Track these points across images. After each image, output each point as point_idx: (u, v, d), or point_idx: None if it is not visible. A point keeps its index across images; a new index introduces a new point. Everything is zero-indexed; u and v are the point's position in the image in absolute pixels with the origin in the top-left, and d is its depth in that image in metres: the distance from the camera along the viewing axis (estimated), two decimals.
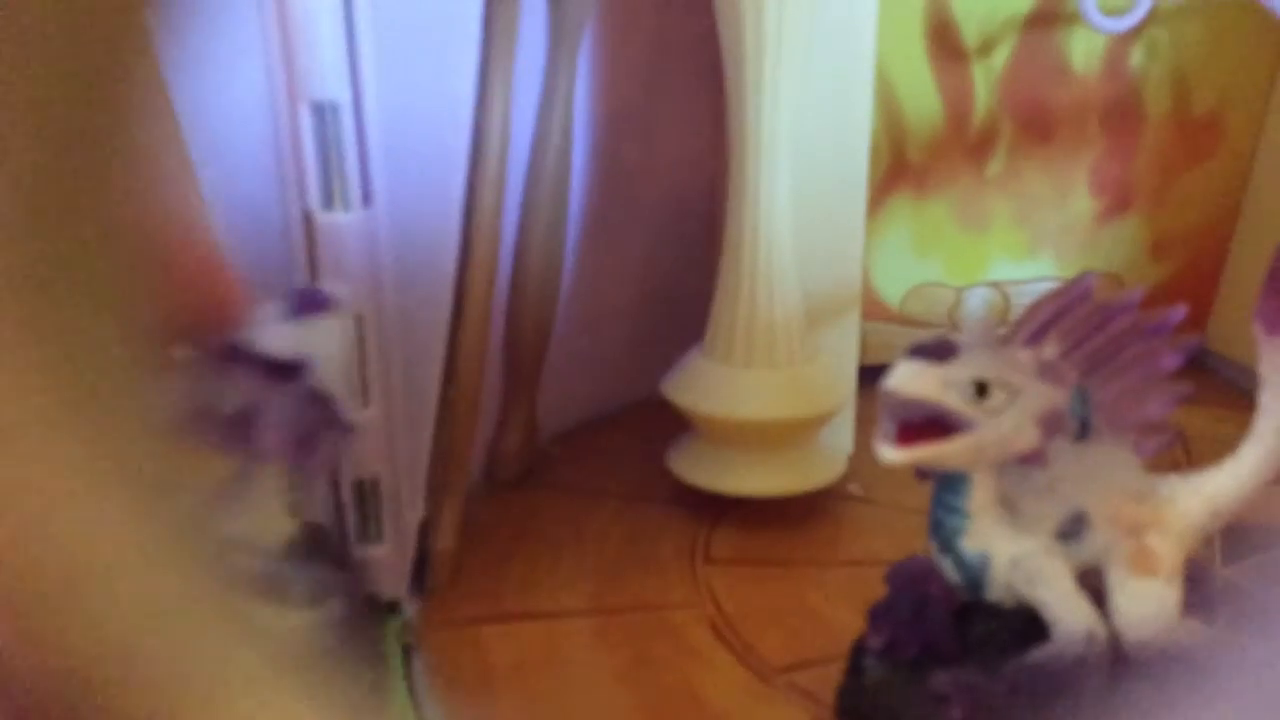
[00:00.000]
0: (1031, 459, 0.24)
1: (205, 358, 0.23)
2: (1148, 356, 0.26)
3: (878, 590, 0.32)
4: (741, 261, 0.35)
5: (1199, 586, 0.25)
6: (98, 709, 0.08)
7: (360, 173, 0.29)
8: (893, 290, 0.47)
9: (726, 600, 0.33)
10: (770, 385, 0.36)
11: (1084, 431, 0.26)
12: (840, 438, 0.40)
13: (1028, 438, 0.23)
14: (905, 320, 0.47)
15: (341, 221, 0.29)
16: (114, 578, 0.09)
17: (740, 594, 0.33)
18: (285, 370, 0.22)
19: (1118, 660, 0.24)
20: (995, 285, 0.48)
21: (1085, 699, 0.24)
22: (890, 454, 0.23)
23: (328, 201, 0.29)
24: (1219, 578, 0.28)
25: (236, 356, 0.23)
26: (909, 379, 0.22)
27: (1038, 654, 0.24)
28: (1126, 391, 0.26)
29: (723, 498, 0.37)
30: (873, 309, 0.47)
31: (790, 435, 0.37)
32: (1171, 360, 0.25)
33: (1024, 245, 0.47)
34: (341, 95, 0.29)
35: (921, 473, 0.26)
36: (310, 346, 0.23)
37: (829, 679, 0.29)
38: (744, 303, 0.36)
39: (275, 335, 0.22)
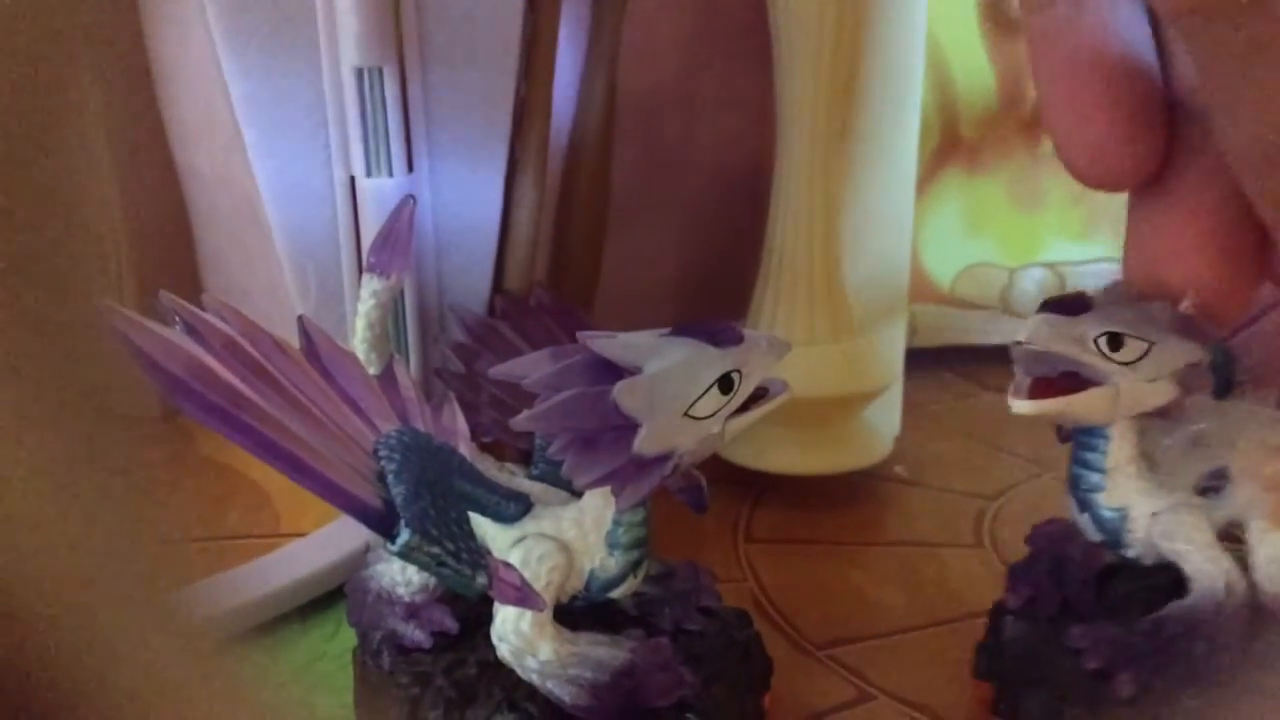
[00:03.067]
0: (1169, 413, 0.23)
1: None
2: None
3: (920, 570, 0.31)
4: (788, 236, 0.35)
5: None
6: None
7: (403, 138, 0.29)
8: (943, 271, 0.46)
9: (768, 577, 0.32)
10: (815, 362, 0.35)
11: (1227, 389, 0.26)
12: (887, 418, 0.40)
13: (1163, 392, 0.23)
14: (956, 302, 0.47)
15: (384, 187, 0.29)
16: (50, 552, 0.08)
17: (782, 571, 0.33)
18: None
19: (1257, 613, 0.24)
20: (1050, 266, 0.47)
21: (1224, 650, 0.23)
22: (1023, 406, 0.23)
23: (371, 167, 0.29)
24: None
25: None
26: (1041, 331, 0.22)
27: (1176, 606, 0.23)
28: (1272, 350, 0.26)
29: (765, 476, 0.36)
30: (923, 290, 0.46)
31: (834, 413, 0.36)
32: None
33: (1080, 225, 0.46)
34: (385, 61, 0.29)
35: (1062, 433, 0.25)
36: None
37: (871, 655, 0.29)
38: (789, 279, 0.35)
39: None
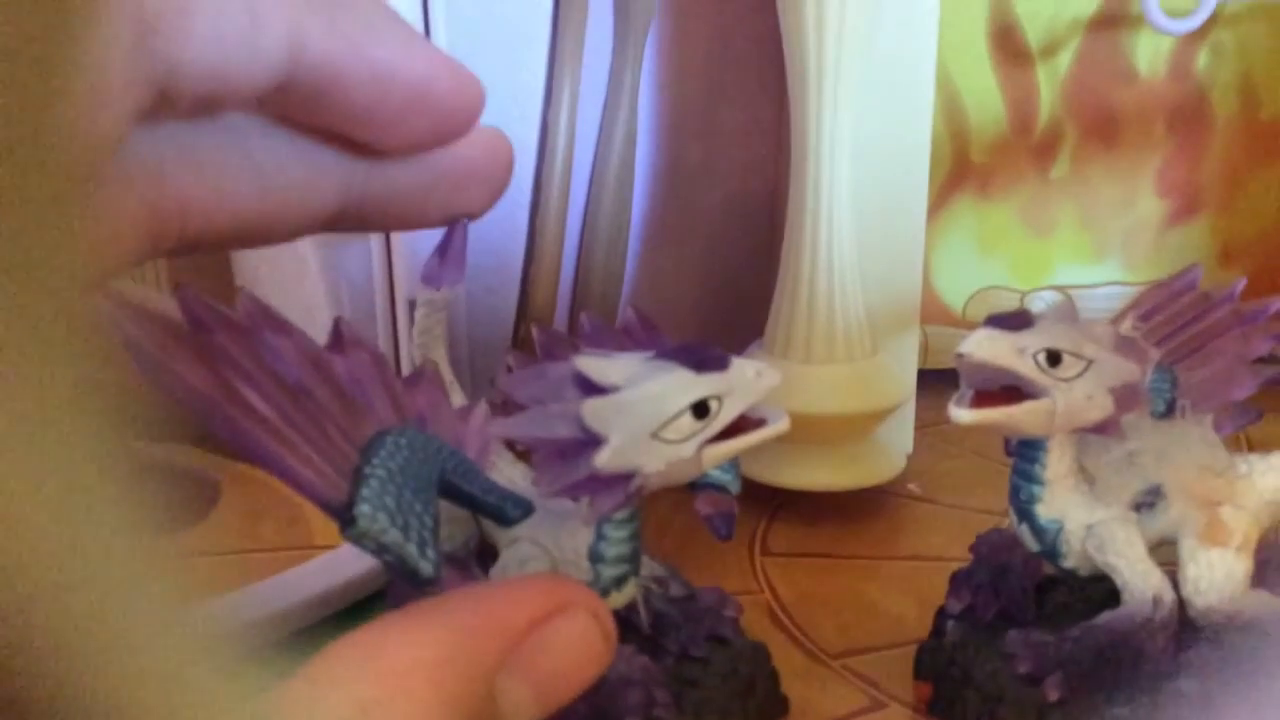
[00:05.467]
0: (1106, 430, 0.24)
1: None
2: (1239, 341, 0.28)
3: (935, 584, 0.32)
4: (802, 259, 0.36)
5: (1271, 562, 0.26)
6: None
7: None
8: (955, 294, 0.47)
9: (784, 589, 0.33)
10: (829, 381, 0.36)
11: (1169, 411, 0.28)
12: (900, 436, 0.40)
13: (1100, 408, 0.24)
14: (968, 324, 0.47)
15: None
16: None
17: (797, 584, 0.34)
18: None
19: (1185, 626, 0.25)
20: (1060, 289, 0.48)
21: (1150, 660, 0.24)
22: (962, 415, 0.24)
23: None
24: None
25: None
26: (982, 344, 0.23)
27: (1106, 616, 0.25)
28: (1214, 374, 0.28)
29: (781, 491, 0.37)
30: (935, 312, 0.47)
31: (849, 431, 0.37)
32: (1262, 345, 0.27)
33: (1090, 249, 0.47)
34: None
35: (1008, 445, 0.27)
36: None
37: (885, 665, 0.29)
38: (804, 299, 0.36)
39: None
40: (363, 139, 0.21)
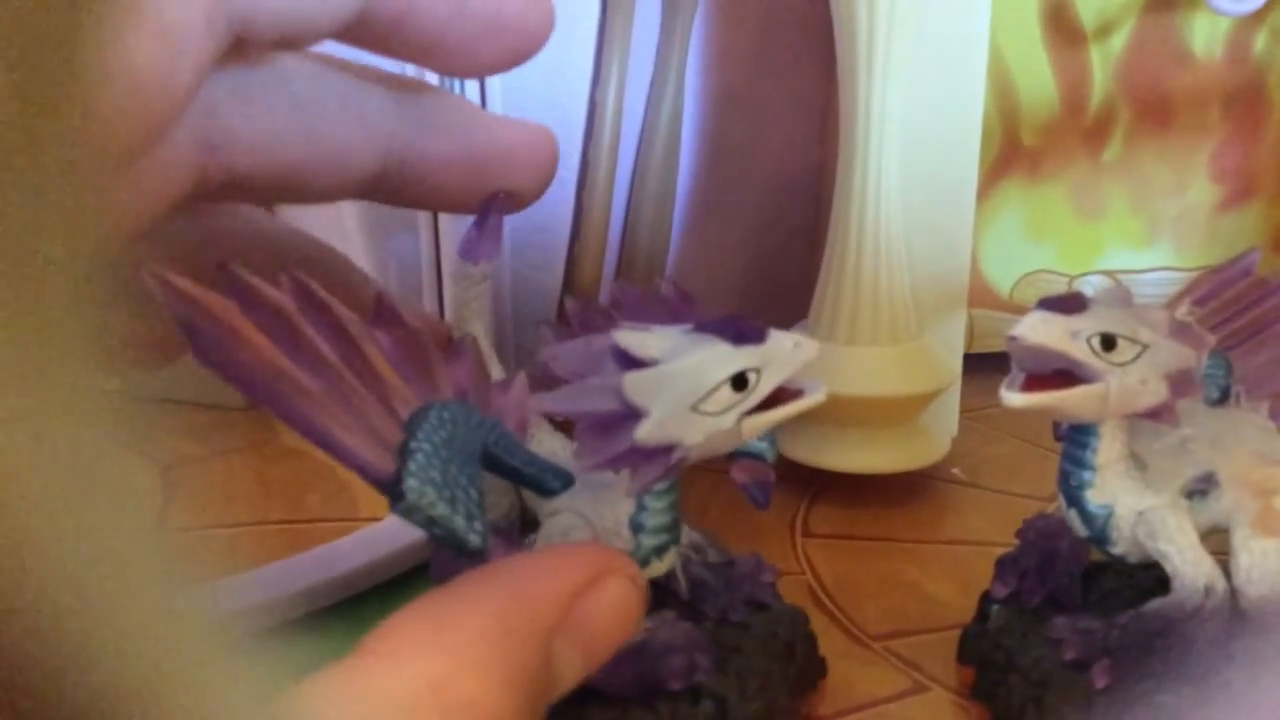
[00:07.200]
0: (1159, 416, 0.24)
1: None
2: None
3: (978, 568, 0.32)
4: (849, 239, 0.36)
5: None
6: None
7: None
8: (1003, 277, 0.47)
9: (825, 571, 0.33)
10: (874, 362, 0.36)
11: (1224, 398, 0.27)
12: (945, 420, 0.40)
13: (1154, 393, 0.23)
14: (1015, 308, 0.47)
15: None
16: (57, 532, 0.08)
17: (839, 566, 0.34)
18: None
19: (1235, 615, 0.24)
20: (1110, 274, 0.47)
21: (1199, 648, 0.24)
22: (1013, 399, 0.23)
23: None
24: None
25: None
26: (1035, 327, 0.23)
27: (1155, 604, 0.24)
28: (1270, 361, 0.27)
29: (823, 473, 0.37)
30: (982, 296, 0.46)
31: (893, 413, 0.37)
32: None
33: (1141, 233, 0.47)
34: None
35: (1058, 430, 0.26)
36: None
37: (926, 647, 0.29)
38: (849, 280, 0.36)
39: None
40: (436, 67, 0.21)
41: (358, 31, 0.19)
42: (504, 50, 0.21)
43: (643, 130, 0.37)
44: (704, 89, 0.40)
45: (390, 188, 0.22)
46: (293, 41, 0.19)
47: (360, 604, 0.29)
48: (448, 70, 0.21)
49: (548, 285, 0.33)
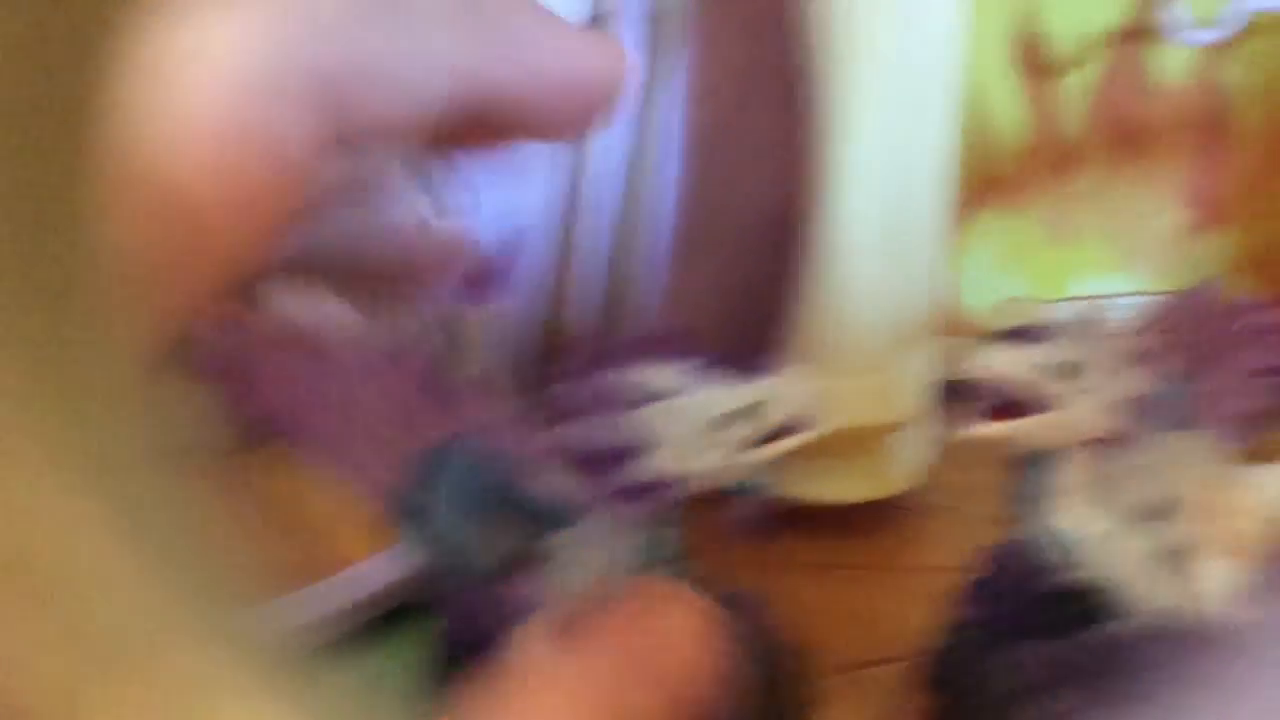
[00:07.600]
0: (1119, 442, 0.24)
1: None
2: (1255, 353, 0.27)
3: (946, 596, 0.32)
4: (819, 271, 0.36)
5: None
6: None
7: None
8: (977, 305, 0.47)
9: (794, 600, 0.34)
10: (844, 393, 0.36)
11: (1185, 422, 0.27)
12: (920, 448, 0.41)
13: (1114, 421, 0.24)
14: (989, 336, 0.47)
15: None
16: (90, 586, 0.08)
17: (808, 595, 0.34)
18: None
19: (1193, 635, 0.24)
20: (1083, 300, 0.48)
21: (1160, 671, 0.24)
22: (974, 429, 0.24)
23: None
24: None
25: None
26: (997, 357, 0.24)
27: (1115, 625, 0.25)
28: (1228, 386, 0.27)
29: (798, 502, 0.37)
30: (956, 324, 0.47)
31: (864, 442, 0.37)
32: (1278, 357, 0.26)
33: (1114, 259, 0.47)
34: None
35: (1021, 457, 0.27)
36: None
37: (895, 677, 0.30)
38: (820, 311, 0.36)
39: None
40: (521, 136, 0.21)
41: (444, 127, 0.18)
42: (588, 104, 0.21)
43: (628, 167, 0.38)
44: (687, 127, 0.40)
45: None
46: (379, 140, 0.18)
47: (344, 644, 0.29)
48: (530, 136, 0.21)
49: (538, 321, 0.34)
